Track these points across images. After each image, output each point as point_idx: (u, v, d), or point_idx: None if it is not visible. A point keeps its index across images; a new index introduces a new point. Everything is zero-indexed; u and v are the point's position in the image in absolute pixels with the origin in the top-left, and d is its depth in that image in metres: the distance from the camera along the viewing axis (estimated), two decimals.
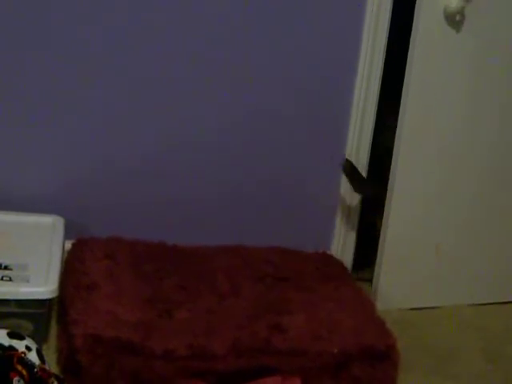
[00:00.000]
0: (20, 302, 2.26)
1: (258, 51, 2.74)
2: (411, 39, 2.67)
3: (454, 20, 2.65)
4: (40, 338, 2.26)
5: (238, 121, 2.81)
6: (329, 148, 2.93)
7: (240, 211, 2.95)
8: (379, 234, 2.87)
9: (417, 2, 2.62)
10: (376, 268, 2.92)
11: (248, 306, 2.51)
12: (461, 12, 2.63)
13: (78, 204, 2.77)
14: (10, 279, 2.29)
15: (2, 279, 2.28)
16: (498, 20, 2.71)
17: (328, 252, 2.98)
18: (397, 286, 2.91)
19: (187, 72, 2.72)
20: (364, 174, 2.95)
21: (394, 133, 2.76)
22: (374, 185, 2.96)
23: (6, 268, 2.34)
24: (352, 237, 3.04)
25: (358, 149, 2.93)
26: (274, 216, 2.98)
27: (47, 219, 2.66)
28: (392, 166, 2.78)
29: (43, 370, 2.00)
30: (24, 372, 1.94)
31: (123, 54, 2.65)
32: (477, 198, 2.90)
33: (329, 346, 2.33)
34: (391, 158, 2.78)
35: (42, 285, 2.28)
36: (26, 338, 2.07)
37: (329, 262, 2.90)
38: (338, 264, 2.91)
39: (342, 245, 3.03)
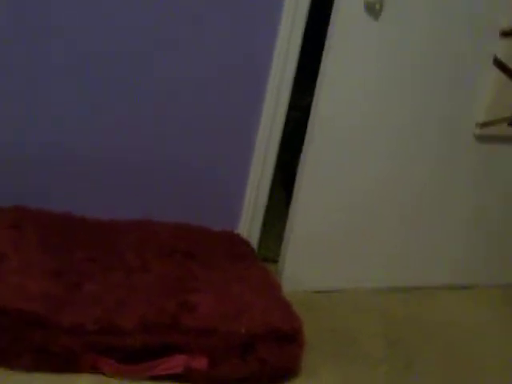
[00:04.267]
0: None
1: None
2: (329, 27, 2.70)
3: (374, 9, 2.68)
4: None
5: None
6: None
7: (150, 187, 2.91)
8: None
9: None
10: (282, 249, 2.95)
11: (157, 281, 2.50)
12: (380, 2, 2.66)
13: None
14: None
15: None
16: (415, 9, 2.76)
17: (235, 231, 2.97)
18: (302, 267, 2.94)
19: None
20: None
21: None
22: None
23: None
24: (259, 216, 3.04)
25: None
26: (183, 194, 2.95)
27: None
28: (304, 148, 2.82)
29: None
30: None
31: None
32: (384, 181, 2.97)
33: (237, 326, 2.35)
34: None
35: None
36: None
37: (236, 241, 2.91)
38: (245, 243, 2.92)
39: (249, 224, 3.02)
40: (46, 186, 2.80)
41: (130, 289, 2.43)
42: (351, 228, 2.98)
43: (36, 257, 2.46)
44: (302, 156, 2.84)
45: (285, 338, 2.39)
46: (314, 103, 2.78)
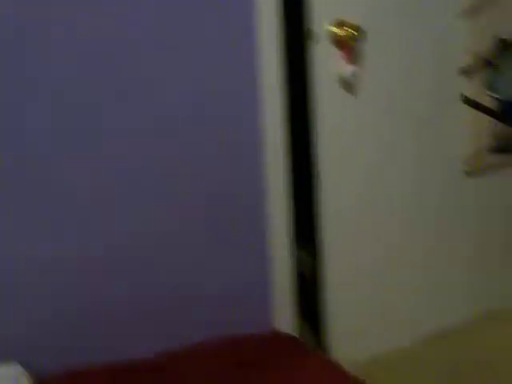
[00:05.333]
0: None
1: None
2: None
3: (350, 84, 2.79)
4: None
5: None
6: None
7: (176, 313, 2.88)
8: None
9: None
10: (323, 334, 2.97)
11: None
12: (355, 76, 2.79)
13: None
14: None
15: None
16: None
17: (275, 328, 2.98)
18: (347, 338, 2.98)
19: None
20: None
21: None
22: None
23: None
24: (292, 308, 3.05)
25: None
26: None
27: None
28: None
29: None
30: None
31: None
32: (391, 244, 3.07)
33: None
34: None
35: None
36: None
37: (282, 339, 2.90)
38: (290, 339, 2.92)
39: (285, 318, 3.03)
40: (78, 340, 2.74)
41: None
42: (374, 295, 3.05)
43: None
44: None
45: None
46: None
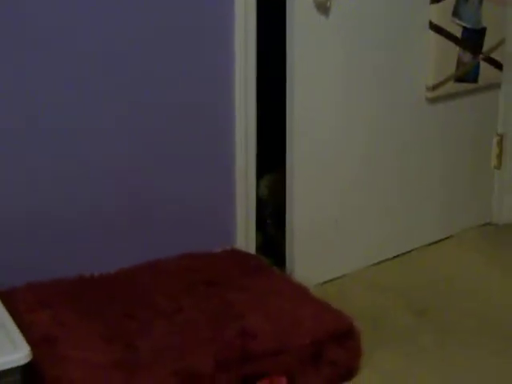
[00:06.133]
0: None
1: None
2: (287, 31, 2.78)
3: (325, 7, 2.77)
4: None
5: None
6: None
7: (141, 227, 2.89)
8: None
9: None
10: (288, 252, 3.01)
11: (200, 318, 2.51)
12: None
13: None
14: None
15: None
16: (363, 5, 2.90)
17: (236, 247, 3.01)
18: (308, 264, 3.02)
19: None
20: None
21: None
22: None
23: None
24: (252, 228, 3.08)
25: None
26: (175, 226, 2.94)
27: None
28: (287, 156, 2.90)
29: None
30: None
31: None
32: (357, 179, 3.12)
33: (300, 339, 2.41)
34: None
35: (13, 352, 2.13)
36: None
37: (244, 257, 2.95)
38: (252, 257, 2.97)
39: (245, 238, 3.06)
40: (42, 253, 2.74)
41: (182, 333, 2.43)
42: (340, 214, 3.09)
43: (81, 329, 2.42)
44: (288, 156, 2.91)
45: (344, 336, 2.48)
46: (288, 106, 2.85)
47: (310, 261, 3.04)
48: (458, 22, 3.13)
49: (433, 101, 3.19)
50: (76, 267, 2.74)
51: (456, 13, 3.11)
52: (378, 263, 3.21)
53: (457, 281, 3.10)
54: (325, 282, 3.06)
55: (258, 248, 3.12)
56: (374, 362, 2.56)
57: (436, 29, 3.08)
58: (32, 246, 2.69)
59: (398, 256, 3.27)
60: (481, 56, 3.25)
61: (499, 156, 3.52)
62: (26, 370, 2.16)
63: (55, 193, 2.69)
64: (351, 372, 2.49)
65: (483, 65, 3.27)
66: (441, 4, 3.06)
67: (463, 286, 3.06)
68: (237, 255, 2.96)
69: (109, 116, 2.71)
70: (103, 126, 2.70)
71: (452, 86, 3.20)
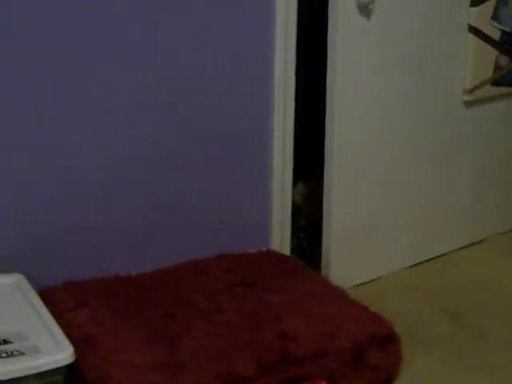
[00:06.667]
0: (40, 375, 2.10)
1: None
2: (329, 32, 2.78)
3: (366, 9, 2.77)
4: None
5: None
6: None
7: (177, 227, 2.88)
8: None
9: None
10: (324, 254, 3.01)
11: (240, 320, 2.51)
12: (372, 2, 2.76)
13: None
14: (22, 353, 2.11)
15: (12, 355, 2.10)
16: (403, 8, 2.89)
17: (271, 248, 3.01)
18: (342, 267, 3.01)
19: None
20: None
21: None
22: None
23: (6, 342, 2.16)
24: (288, 229, 3.07)
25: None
26: (211, 226, 2.94)
27: (7, 279, 2.48)
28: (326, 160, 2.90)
29: None
30: None
31: None
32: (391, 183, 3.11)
33: (342, 343, 2.40)
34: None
35: (58, 352, 2.13)
36: None
37: (280, 259, 2.94)
38: (289, 259, 2.97)
39: (281, 239, 3.05)
40: (79, 252, 2.73)
41: (222, 334, 2.43)
42: (374, 219, 3.09)
43: (121, 329, 2.42)
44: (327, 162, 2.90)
45: (385, 340, 2.47)
46: (328, 112, 2.84)
47: (345, 263, 3.03)
48: (496, 25, 3.11)
49: (469, 104, 3.17)
50: (113, 267, 2.73)
51: (495, 16, 3.09)
52: (411, 266, 3.19)
53: (490, 285, 3.10)
54: (359, 285, 3.05)
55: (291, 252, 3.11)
56: (413, 367, 2.54)
57: (475, 31, 3.07)
58: (69, 245, 2.69)
59: (430, 259, 3.26)
60: None
61: None
62: (68, 371, 2.17)
63: (94, 195, 2.69)
64: (391, 377, 2.47)
65: None
66: (480, 7, 3.05)
67: (496, 291, 3.05)
68: (272, 256, 2.96)
69: (146, 116, 2.71)
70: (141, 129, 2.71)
71: (488, 90, 3.19)
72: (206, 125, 2.81)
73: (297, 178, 3.11)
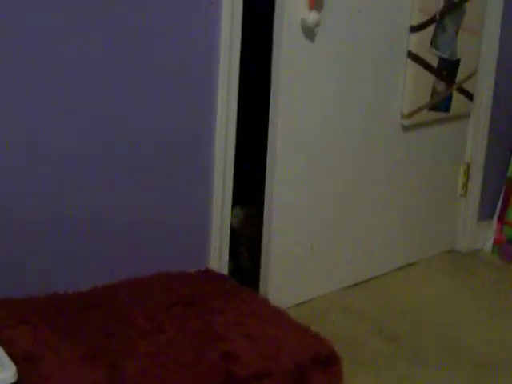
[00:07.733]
0: None
1: None
2: (273, 55, 2.81)
3: (312, 32, 2.79)
4: None
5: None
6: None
7: (118, 245, 2.85)
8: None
9: (275, 20, 2.75)
10: (262, 274, 3.01)
11: (182, 339, 2.48)
12: (317, 25, 2.79)
13: None
14: None
15: None
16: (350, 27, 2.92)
17: (209, 268, 2.99)
18: (281, 287, 3.02)
19: None
20: None
21: None
22: None
23: None
24: (226, 252, 3.07)
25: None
26: (148, 245, 2.92)
27: None
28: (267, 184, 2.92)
29: None
30: None
31: None
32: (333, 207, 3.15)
33: (285, 363, 2.40)
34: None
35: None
36: None
37: (219, 279, 2.92)
38: (227, 278, 2.96)
39: (218, 259, 3.04)
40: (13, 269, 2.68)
41: (165, 354, 2.40)
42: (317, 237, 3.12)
43: (62, 348, 2.37)
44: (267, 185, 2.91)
45: (327, 361, 2.47)
46: (270, 136, 2.86)
47: (284, 284, 3.04)
48: (435, 51, 3.17)
49: (407, 128, 3.23)
50: (48, 285, 2.68)
51: (434, 43, 3.16)
52: (347, 287, 3.22)
53: (425, 306, 3.15)
54: (297, 304, 3.06)
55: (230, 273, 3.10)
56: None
57: (414, 58, 3.13)
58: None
59: (367, 280, 3.29)
60: (454, 86, 3.31)
61: (465, 184, 3.58)
62: None
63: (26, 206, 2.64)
64: None
65: (455, 95, 3.33)
66: (420, 33, 3.11)
67: (432, 312, 3.10)
68: (211, 276, 2.94)
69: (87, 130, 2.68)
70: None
71: (426, 115, 3.25)
72: (142, 150, 2.78)
73: (234, 202, 3.11)
